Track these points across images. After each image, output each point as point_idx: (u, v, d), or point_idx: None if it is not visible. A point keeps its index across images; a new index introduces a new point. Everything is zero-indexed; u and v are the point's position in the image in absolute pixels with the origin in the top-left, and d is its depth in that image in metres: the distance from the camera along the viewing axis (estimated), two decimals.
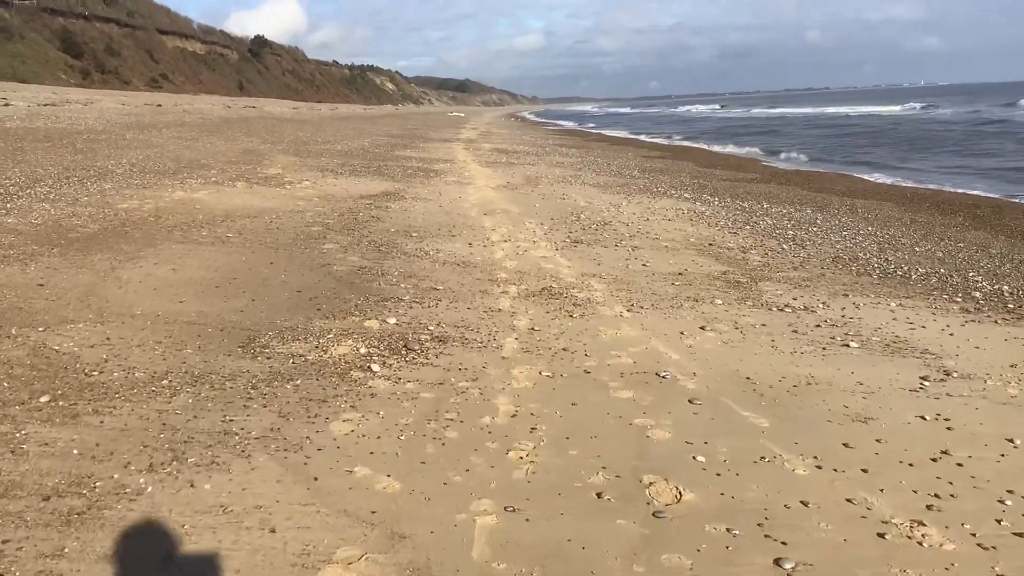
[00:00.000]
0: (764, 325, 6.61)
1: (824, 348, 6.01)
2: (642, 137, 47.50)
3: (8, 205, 9.67)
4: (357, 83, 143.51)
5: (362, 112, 79.25)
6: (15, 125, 21.51)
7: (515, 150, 29.96)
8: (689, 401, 4.74)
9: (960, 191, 19.13)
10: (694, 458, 3.95)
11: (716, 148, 36.30)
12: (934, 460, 4.03)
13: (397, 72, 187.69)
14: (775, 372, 5.37)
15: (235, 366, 4.87)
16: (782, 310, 7.19)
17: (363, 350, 5.34)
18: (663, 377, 5.16)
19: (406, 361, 5.21)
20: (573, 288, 7.66)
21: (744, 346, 5.98)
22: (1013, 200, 17.31)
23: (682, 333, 6.24)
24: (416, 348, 5.44)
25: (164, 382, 4.53)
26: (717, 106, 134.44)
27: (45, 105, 32.81)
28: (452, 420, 4.28)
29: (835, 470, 3.87)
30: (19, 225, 8.61)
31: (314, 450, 3.82)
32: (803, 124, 57.00)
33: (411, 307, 6.60)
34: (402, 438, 4.03)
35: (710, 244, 10.67)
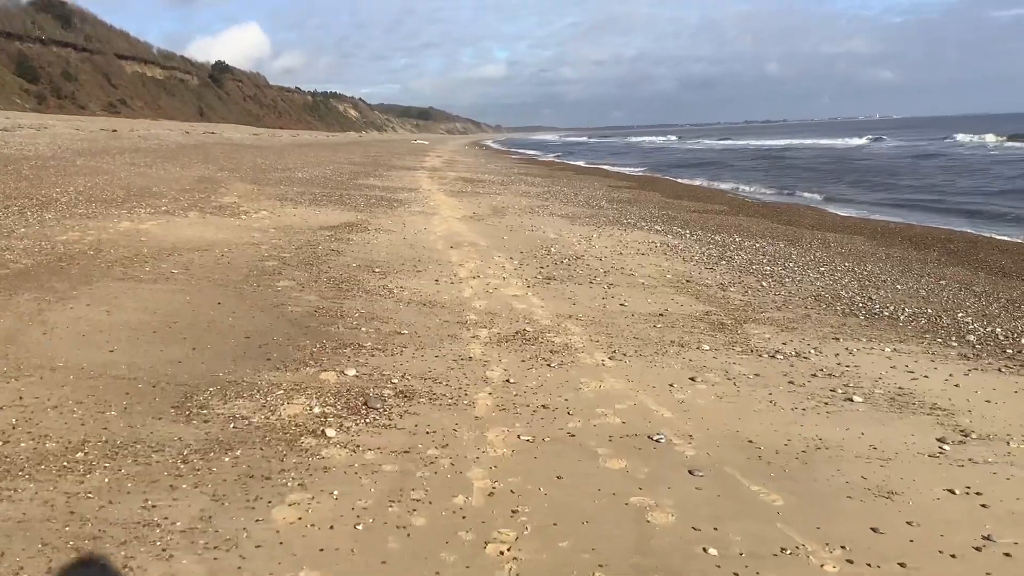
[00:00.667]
0: (758, 375, 6.07)
1: (826, 403, 5.47)
2: (606, 167, 47.33)
3: None
4: (320, 110, 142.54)
5: (324, 139, 78.50)
6: None
7: (480, 179, 29.45)
8: (689, 472, 4.16)
9: (931, 225, 19.05)
10: (704, 550, 3.36)
11: (681, 179, 36.14)
12: (977, 549, 3.49)
13: (361, 99, 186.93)
14: (779, 434, 4.82)
15: (165, 433, 4.20)
16: (773, 357, 6.66)
17: (317, 409, 4.70)
18: (657, 441, 4.57)
19: (366, 423, 4.57)
20: (549, 332, 7.08)
21: (740, 401, 5.43)
22: (983, 235, 17.17)
23: (671, 385, 5.68)
24: (378, 406, 4.81)
25: (79, 455, 3.85)
26: (674, 137, 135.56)
27: None
28: (419, 501, 3.65)
29: (869, 565, 3.30)
30: None
31: (251, 547, 3.17)
32: (761, 156, 57.33)
33: (373, 355, 5.97)
34: (359, 528, 3.39)
35: (687, 281, 10.17)
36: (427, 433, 4.48)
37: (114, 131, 41.82)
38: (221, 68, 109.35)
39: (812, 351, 6.92)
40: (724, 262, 11.83)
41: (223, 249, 9.97)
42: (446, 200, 19.65)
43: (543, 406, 5.07)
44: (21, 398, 4.44)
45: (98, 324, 6.12)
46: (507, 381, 5.55)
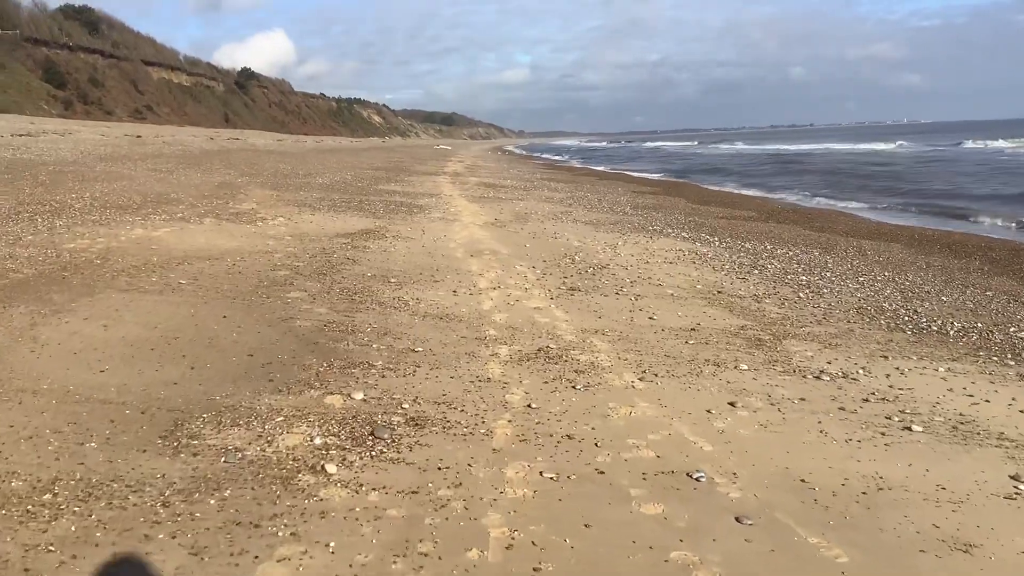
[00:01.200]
0: (803, 400, 5.56)
1: (883, 433, 4.95)
2: (630, 172, 46.70)
3: None
4: (344, 116, 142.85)
5: (348, 144, 78.41)
6: None
7: (502, 184, 29.01)
8: (736, 519, 3.65)
9: (970, 232, 18.36)
10: None
11: (707, 184, 35.49)
12: None
13: (384, 105, 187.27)
14: (834, 471, 4.31)
15: (147, 469, 3.76)
16: (819, 378, 6.15)
17: (318, 440, 4.24)
18: (697, 480, 4.08)
19: (372, 456, 4.11)
20: (573, 349, 6.61)
21: (787, 431, 4.92)
22: None
23: (709, 412, 5.18)
24: (385, 436, 4.35)
25: (47, 496, 3.42)
26: (697, 142, 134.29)
27: (19, 135, 31.71)
28: (427, 556, 3.17)
29: None
30: None
31: None
32: (789, 160, 56.31)
33: (383, 375, 5.51)
34: None
35: (719, 292, 9.66)
36: (439, 469, 4.01)
37: (139, 137, 41.81)
38: (247, 75, 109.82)
39: (860, 371, 6.40)
40: (757, 271, 11.29)
41: (235, 258, 9.58)
42: (467, 206, 19.23)
43: (568, 436, 4.60)
44: None
45: (93, 340, 5.71)
46: (528, 406, 5.08)
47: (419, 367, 5.78)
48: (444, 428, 4.58)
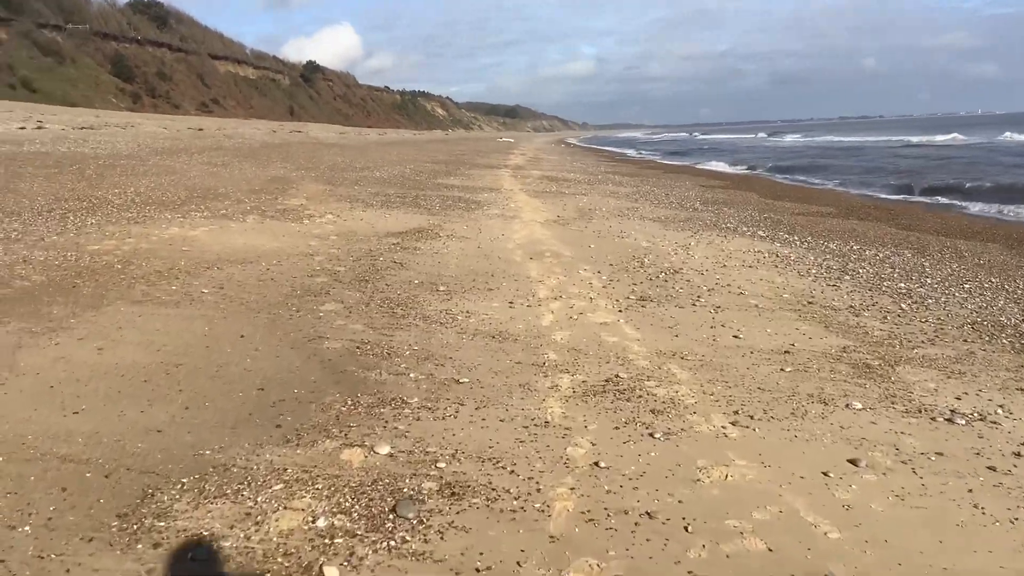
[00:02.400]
0: (941, 455, 4.42)
1: None
2: (697, 165, 45.07)
3: None
4: (408, 108, 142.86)
5: (410, 137, 77.97)
6: (32, 149, 20.04)
7: (565, 178, 27.90)
8: None
9: None
10: None
11: (778, 178, 33.85)
12: None
13: (448, 98, 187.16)
14: (1007, 573, 3.19)
15: (87, 570, 2.82)
16: (951, 421, 4.99)
17: (322, 522, 3.25)
18: None
19: (390, 549, 3.11)
20: (648, 379, 5.54)
21: (931, 505, 3.79)
22: None
23: (826, 475, 4.08)
24: (411, 515, 3.35)
25: None
26: (765, 134, 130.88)
27: (82, 128, 31.63)
28: None
29: None
30: None
31: None
32: (862, 152, 53.86)
33: (418, 417, 4.52)
34: None
35: (809, 302, 8.48)
36: (478, 571, 3.00)
37: (200, 130, 41.68)
38: (312, 68, 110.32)
39: (998, 411, 5.23)
40: (848, 277, 10.05)
41: (271, 261, 8.72)
42: (528, 201, 18.20)
43: (648, 514, 3.54)
44: None
45: (79, 369, 4.83)
46: (596, 464, 4.03)
47: (462, 405, 4.78)
48: (488, 500, 3.56)
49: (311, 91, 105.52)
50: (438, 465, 3.88)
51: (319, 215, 13.01)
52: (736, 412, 4.96)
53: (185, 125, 44.73)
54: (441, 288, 8.07)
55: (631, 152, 69.27)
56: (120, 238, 9.33)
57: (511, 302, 7.69)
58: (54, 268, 7.52)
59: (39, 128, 28.63)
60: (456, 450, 4.09)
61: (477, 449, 4.12)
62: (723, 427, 4.68)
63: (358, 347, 5.79)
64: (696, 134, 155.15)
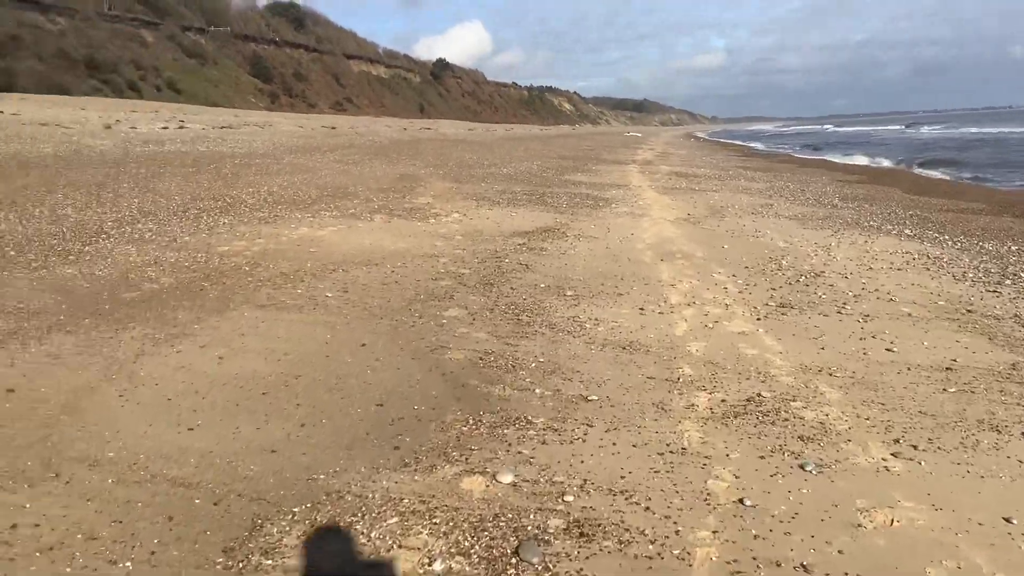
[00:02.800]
0: None
1: None
2: (832, 158, 43.03)
3: (85, 248, 8.04)
4: (535, 104, 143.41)
5: (537, 132, 77.97)
6: (173, 148, 20.83)
7: (695, 173, 27.08)
8: None
9: None
10: None
11: (920, 171, 31.90)
12: None
13: (575, 92, 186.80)
14: None
15: None
16: None
17: (438, 567, 2.95)
18: None
19: None
20: (794, 399, 5.05)
21: None
22: None
23: (1009, 522, 3.51)
24: (535, 561, 3.02)
25: None
26: (903, 125, 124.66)
27: (221, 128, 32.84)
28: None
29: None
30: (74, 279, 6.87)
31: None
32: (1008, 145, 50.21)
33: (544, 440, 4.19)
34: None
35: (968, 310, 7.72)
36: None
37: (333, 128, 42.70)
38: (442, 65, 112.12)
39: None
40: (1009, 281, 9.15)
41: (396, 263, 8.58)
42: (657, 198, 17.64)
43: (803, 567, 3.09)
44: (14, 527, 3.01)
45: (198, 380, 4.73)
46: (740, 502, 3.61)
47: (591, 427, 4.42)
48: (621, 543, 3.19)
49: (440, 88, 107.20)
50: (565, 498, 3.54)
51: (445, 214, 12.90)
52: (897, 441, 4.42)
53: (319, 123, 45.95)
54: (568, 292, 7.74)
55: (760, 146, 67.08)
56: (250, 239, 9.40)
57: (641, 308, 7.28)
58: (183, 270, 7.57)
59: (181, 128, 29.85)
60: (585, 480, 3.74)
61: (608, 480, 3.76)
62: (883, 459, 4.16)
63: (481, 358, 5.52)
64: (828, 126, 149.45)
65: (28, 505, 3.14)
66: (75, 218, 9.64)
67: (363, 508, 3.35)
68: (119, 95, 45.38)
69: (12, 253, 7.52)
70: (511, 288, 7.78)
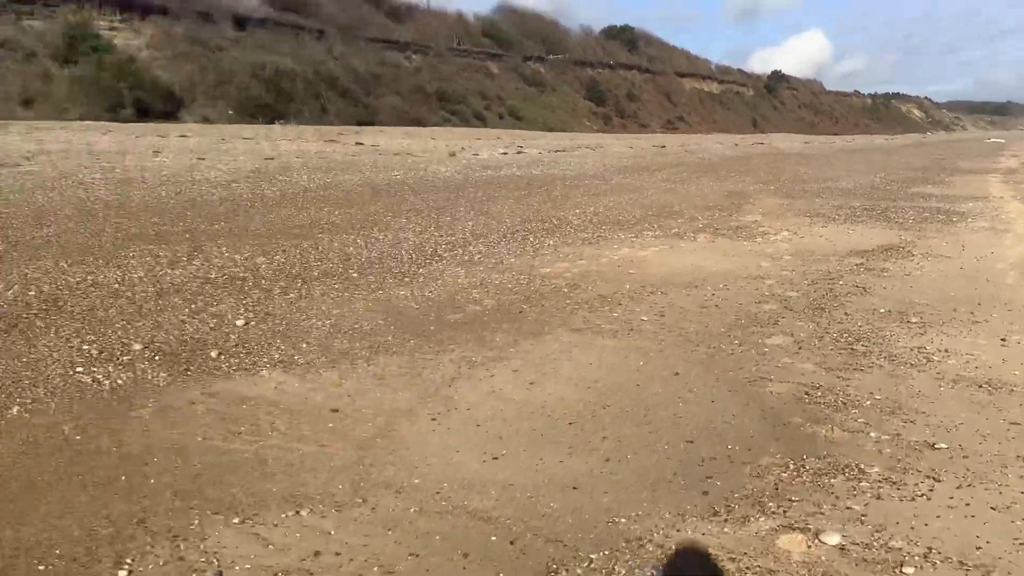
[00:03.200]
0: None
1: None
2: None
3: (419, 270, 8.51)
4: (879, 112, 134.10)
5: (881, 143, 72.65)
6: (509, 173, 21.80)
7: None
8: None
9: None
10: None
11: None
12: None
13: (926, 98, 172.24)
14: None
15: None
16: None
17: None
18: None
19: None
20: None
21: None
22: None
23: None
24: None
25: None
26: None
27: (555, 151, 34.04)
28: None
29: None
30: (405, 300, 7.25)
31: None
32: None
33: (879, 495, 3.63)
34: None
35: None
36: None
37: (663, 147, 42.72)
38: (777, 77, 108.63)
39: None
40: None
41: (716, 285, 8.18)
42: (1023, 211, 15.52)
43: None
44: (317, 554, 3.07)
45: (506, 406, 4.69)
46: None
47: (939, 481, 3.77)
48: None
49: (774, 101, 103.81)
50: (904, 570, 3.00)
51: (774, 232, 12.23)
52: None
53: (650, 143, 46.21)
54: (913, 319, 6.88)
55: None
56: (572, 260, 9.46)
57: (1003, 339, 6.28)
58: (506, 291, 7.73)
59: (519, 153, 31.31)
60: (929, 548, 3.16)
61: (959, 550, 3.15)
62: None
63: (807, 392, 5.00)
64: None
65: (333, 532, 3.20)
66: (414, 241, 10.28)
67: (664, 561, 3.06)
68: (466, 124, 48.78)
69: (355, 275, 8.11)
70: (845, 313, 7.08)
